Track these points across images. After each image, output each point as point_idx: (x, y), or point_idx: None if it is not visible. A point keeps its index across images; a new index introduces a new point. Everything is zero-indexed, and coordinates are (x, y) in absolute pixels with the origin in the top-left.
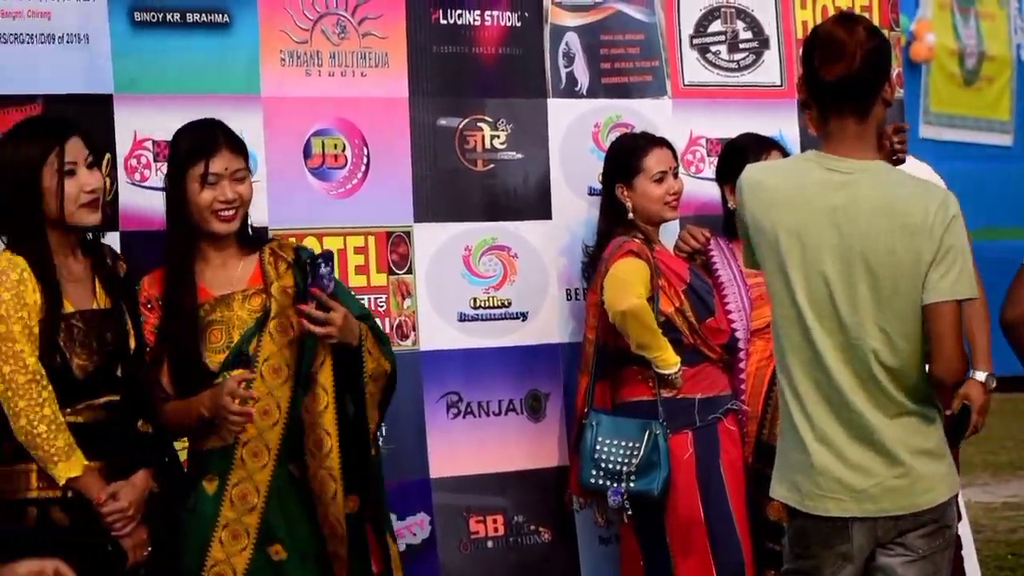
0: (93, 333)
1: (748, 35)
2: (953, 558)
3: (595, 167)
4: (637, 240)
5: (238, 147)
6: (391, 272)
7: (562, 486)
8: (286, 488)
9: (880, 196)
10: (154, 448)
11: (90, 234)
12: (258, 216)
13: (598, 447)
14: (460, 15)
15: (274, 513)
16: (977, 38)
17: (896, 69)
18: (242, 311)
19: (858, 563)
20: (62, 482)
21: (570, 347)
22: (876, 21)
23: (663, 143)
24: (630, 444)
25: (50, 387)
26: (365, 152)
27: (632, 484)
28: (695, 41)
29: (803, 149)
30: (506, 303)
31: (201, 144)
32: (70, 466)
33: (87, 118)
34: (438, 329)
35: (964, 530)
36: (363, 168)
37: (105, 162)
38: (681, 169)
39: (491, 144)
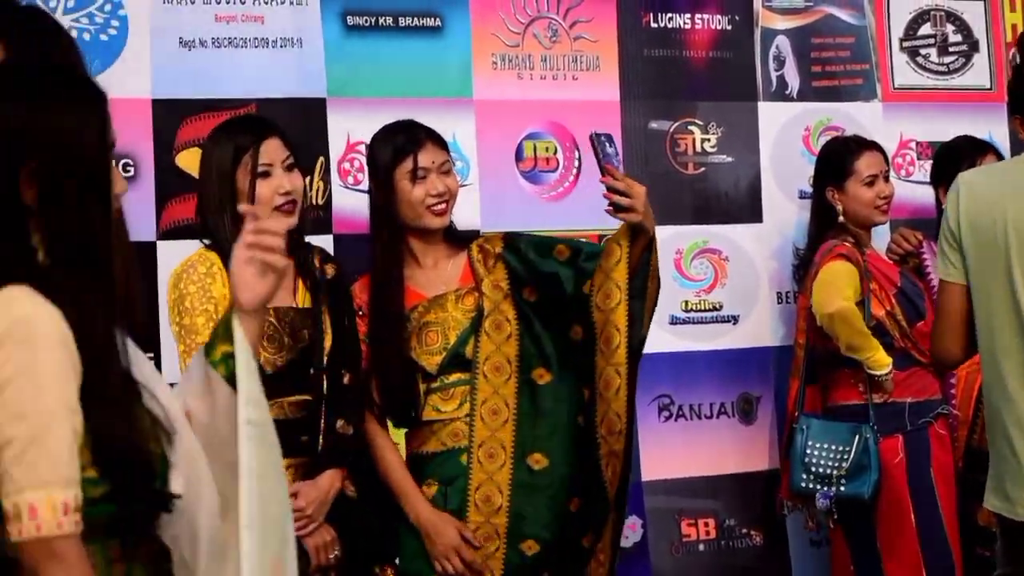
0: (285, 330)
1: (958, 38)
2: None
3: (805, 170)
4: (848, 243)
5: (440, 141)
6: None
7: (773, 489)
8: (528, 484)
9: None
10: (352, 451)
11: (291, 235)
12: (470, 219)
13: (808, 451)
14: (671, 18)
15: (521, 510)
16: None
17: None
18: (456, 311)
19: None
20: None
21: (781, 350)
22: None
23: (874, 146)
24: (841, 448)
25: None
26: (576, 155)
27: (842, 488)
28: (905, 44)
29: (1013, 153)
30: (717, 306)
31: (406, 141)
32: None
33: (300, 122)
34: (650, 332)
35: None
36: (574, 171)
37: (318, 165)
38: (891, 173)
39: (702, 147)
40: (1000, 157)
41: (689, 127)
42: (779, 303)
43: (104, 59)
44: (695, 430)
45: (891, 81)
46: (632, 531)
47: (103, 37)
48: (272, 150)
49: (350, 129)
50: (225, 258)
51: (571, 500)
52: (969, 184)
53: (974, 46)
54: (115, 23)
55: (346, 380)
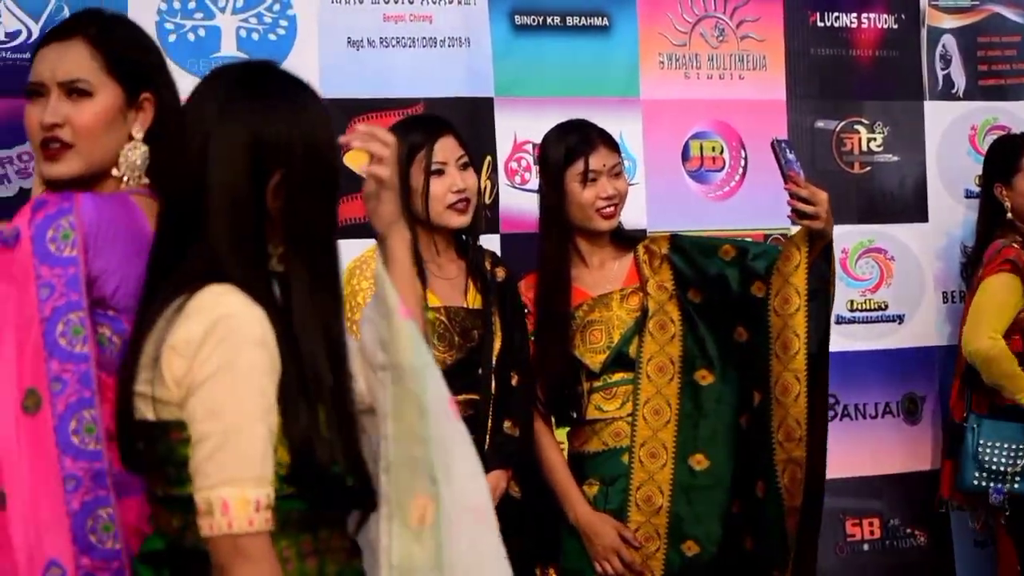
0: (456, 329)
1: None
2: None
3: (972, 169)
4: (1015, 246)
5: (612, 143)
6: None
7: (937, 489)
8: (689, 484)
9: None
10: (518, 451)
11: (464, 236)
12: (636, 218)
13: (980, 448)
14: (837, 17)
15: (682, 511)
16: None
17: None
18: (621, 311)
19: None
20: None
21: (946, 350)
22: None
23: None
24: (1014, 446)
25: None
26: (743, 155)
27: (1016, 485)
28: None
29: None
30: (883, 306)
31: (578, 143)
32: None
33: (468, 121)
34: None
35: None
36: (741, 170)
37: (485, 165)
38: None
39: (868, 146)
40: None
41: (855, 126)
42: (944, 303)
43: (272, 59)
44: (860, 430)
45: None
46: None
47: (271, 37)
48: (446, 148)
49: (517, 128)
50: None
51: (733, 502)
52: None
53: None
54: (283, 23)
55: (514, 381)
